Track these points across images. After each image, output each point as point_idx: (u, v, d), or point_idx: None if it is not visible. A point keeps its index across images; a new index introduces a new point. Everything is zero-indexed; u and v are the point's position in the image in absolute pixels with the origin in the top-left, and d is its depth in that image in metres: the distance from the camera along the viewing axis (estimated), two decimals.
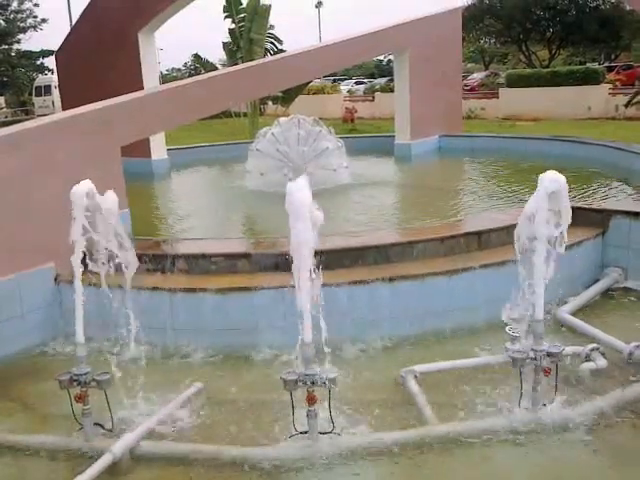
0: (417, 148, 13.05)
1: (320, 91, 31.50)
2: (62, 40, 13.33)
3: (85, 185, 3.72)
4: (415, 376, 4.39)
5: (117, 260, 3.91)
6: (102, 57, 12.00)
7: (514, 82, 25.53)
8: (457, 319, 5.32)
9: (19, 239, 5.41)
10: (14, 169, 5.48)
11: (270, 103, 24.17)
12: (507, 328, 4.04)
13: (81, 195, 3.66)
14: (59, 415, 4.07)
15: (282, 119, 9.99)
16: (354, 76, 53.16)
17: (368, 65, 58.59)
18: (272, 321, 5.02)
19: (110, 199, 3.77)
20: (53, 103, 36.49)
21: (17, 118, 32.45)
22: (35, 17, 44.28)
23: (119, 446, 3.61)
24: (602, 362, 4.40)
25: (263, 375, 4.65)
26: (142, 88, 11.01)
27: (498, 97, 25.57)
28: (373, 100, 29.92)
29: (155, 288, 5.24)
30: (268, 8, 18.67)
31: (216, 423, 4.06)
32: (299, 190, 3.42)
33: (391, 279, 5.22)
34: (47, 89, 39.64)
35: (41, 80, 42.32)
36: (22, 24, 43.96)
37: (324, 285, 3.55)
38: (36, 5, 43.53)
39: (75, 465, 3.62)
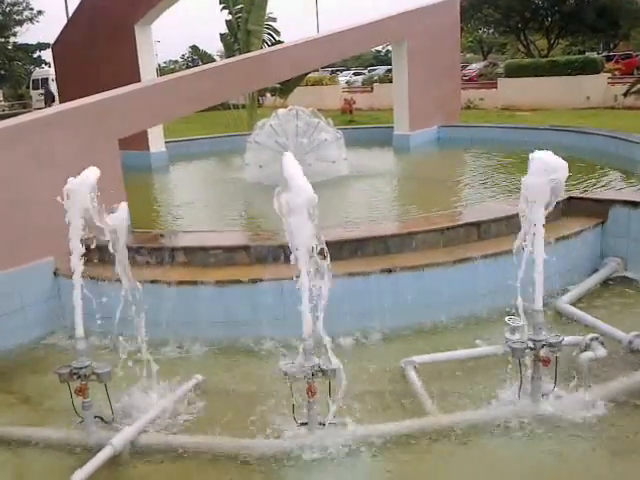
0: (416, 139, 13.02)
1: (318, 82, 31.39)
2: (59, 32, 13.26)
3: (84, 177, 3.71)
4: (415, 367, 4.40)
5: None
6: (99, 49, 11.94)
7: (513, 72, 25.47)
8: (457, 310, 5.32)
9: (17, 233, 5.41)
10: (11, 163, 5.46)
11: (268, 95, 24.11)
12: (507, 318, 4.04)
13: (79, 187, 3.65)
14: (59, 408, 4.07)
15: (280, 111, 9.95)
16: (352, 67, 53.01)
17: (366, 56, 58.41)
18: (271, 313, 5.02)
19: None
20: (54, 97, 36.34)
21: (14, 111, 32.35)
22: (31, 9, 44.13)
23: (119, 439, 3.61)
24: (601, 352, 4.40)
25: (263, 367, 4.65)
26: (139, 80, 10.96)
27: (497, 87, 25.49)
28: (372, 91, 29.82)
29: (154, 281, 5.24)
30: None
31: (215, 415, 4.06)
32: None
33: (390, 270, 5.22)
34: (44, 82, 39.47)
35: (38, 73, 42.13)
36: (18, 17, 43.76)
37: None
38: None
39: (75, 458, 3.62)
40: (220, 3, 19.20)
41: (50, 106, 30.38)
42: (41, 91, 38.90)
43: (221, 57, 25.55)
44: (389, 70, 28.82)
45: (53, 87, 32.94)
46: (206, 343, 5.09)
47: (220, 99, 10.02)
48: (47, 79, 38.41)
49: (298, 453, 3.53)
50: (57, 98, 34.21)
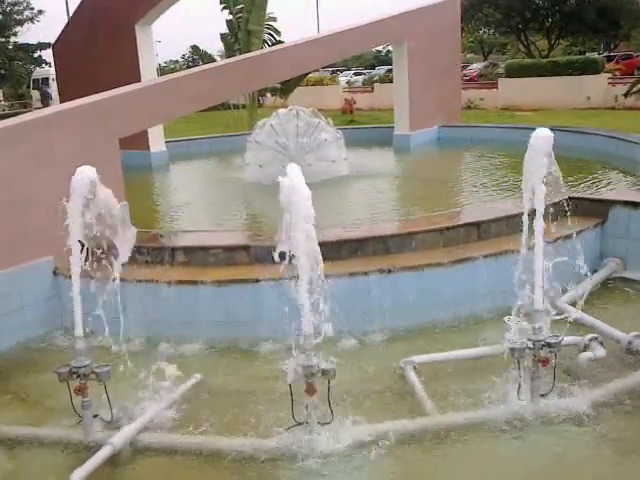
0: (416, 139, 13.02)
1: (319, 82, 31.41)
2: (59, 32, 13.26)
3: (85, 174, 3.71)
4: (414, 367, 4.41)
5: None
6: (99, 49, 11.94)
7: (513, 72, 25.47)
8: (457, 310, 5.32)
9: (17, 233, 5.41)
10: (11, 163, 5.47)
11: (269, 95, 24.10)
12: (506, 318, 4.04)
13: (80, 185, 3.65)
14: (59, 407, 4.08)
15: (281, 111, 9.95)
16: (353, 67, 53.03)
17: (367, 56, 58.43)
18: (271, 313, 5.02)
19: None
20: (51, 96, 36.40)
21: (15, 111, 32.37)
22: (32, 9, 44.07)
23: (119, 438, 3.62)
24: (601, 352, 4.41)
25: (262, 367, 4.65)
26: (139, 80, 10.97)
27: (497, 87, 25.49)
28: (372, 91, 29.82)
29: (154, 280, 5.24)
30: None
31: (215, 415, 4.06)
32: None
33: (390, 270, 5.22)
34: (45, 82, 39.51)
35: (39, 73, 42.18)
36: (19, 16, 43.72)
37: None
38: None
39: (75, 457, 3.63)
40: (220, 3, 19.18)
41: (47, 106, 30.44)
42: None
43: (222, 57, 25.53)
44: (389, 70, 28.81)
45: (53, 87, 33.01)
46: (205, 342, 5.09)
47: (220, 99, 10.03)
48: (47, 79, 38.47)
49: (297, 453, 3.53)
50: (53, 98, 34.54)
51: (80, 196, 3.64)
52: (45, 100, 35.63)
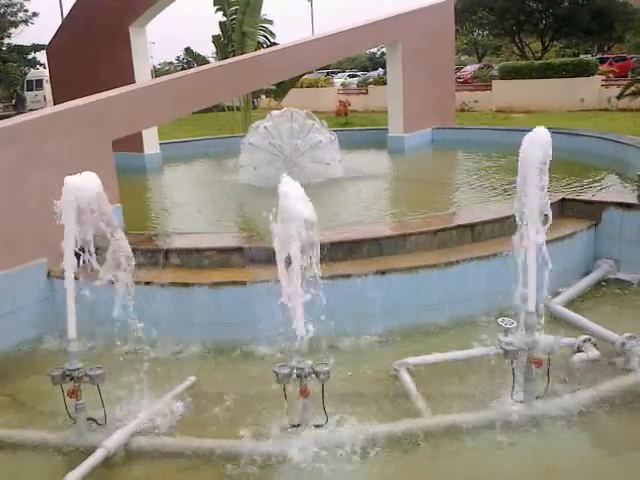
0: (410, 141, 13.03)
1: (313, 84, 31.44)
2: (53, 34, 13.23)
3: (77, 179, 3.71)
4: (408, 368, 4.41)
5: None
6: (93, 51, 11.91)
7: (507, 74, 25.55)
8: (451, 312, 5.33)
9: (11, 234, 5.39)
10: (6, 163, 5.45)
11: (263, 96, 24.08)
12: (500, 320, 4.05)
13: (72, 189, 3.65)
14: (52, 410, 4.06)
15: (275, 112, 9.94)
16: (347, 69, 53.09)
17: (361, 58, 58.54)
18: (265, 315, 5.01)
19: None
20: (45, 98, 36.33)
21: (8, 113, 32.28)
22: (26, 11, 43.93)
23: (112, 441, 3.61)
24: (594, 353, 4.42)
25: (256, 368, 4.65)
26: (134, 82, 10.94)
27: (491, 89, 25.57)
28: (367, 93, 29.87)
29: (148, 283, 5.23)
30: (260, 0, 18.53)
31: (209, 417, 4.06)
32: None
33: (384, 272, 5.22)
34: (39, 83, 39.44)
35: (33, 74, 42.07)
36: (13, 18, 43.60)
37: None
38: None
39: (68, 460, 3.61)
40: (214, 5, 19.15)
41: (24, 110, 30.39)
42: (36, 92, 38.89)
43: (215, 59, 25.50)
44: (380, 73, 28.88)
45: (47, 89, 32.96)
46: (200, 344, 5.08)
47: (216, 101, 10.02)
48: (41, 80, 38.41)
49: (291, 455, 3.52)
50: (27, 102, 34.44)
51: (72, 200, 3.63)
52: (21, 104, 35.46)
